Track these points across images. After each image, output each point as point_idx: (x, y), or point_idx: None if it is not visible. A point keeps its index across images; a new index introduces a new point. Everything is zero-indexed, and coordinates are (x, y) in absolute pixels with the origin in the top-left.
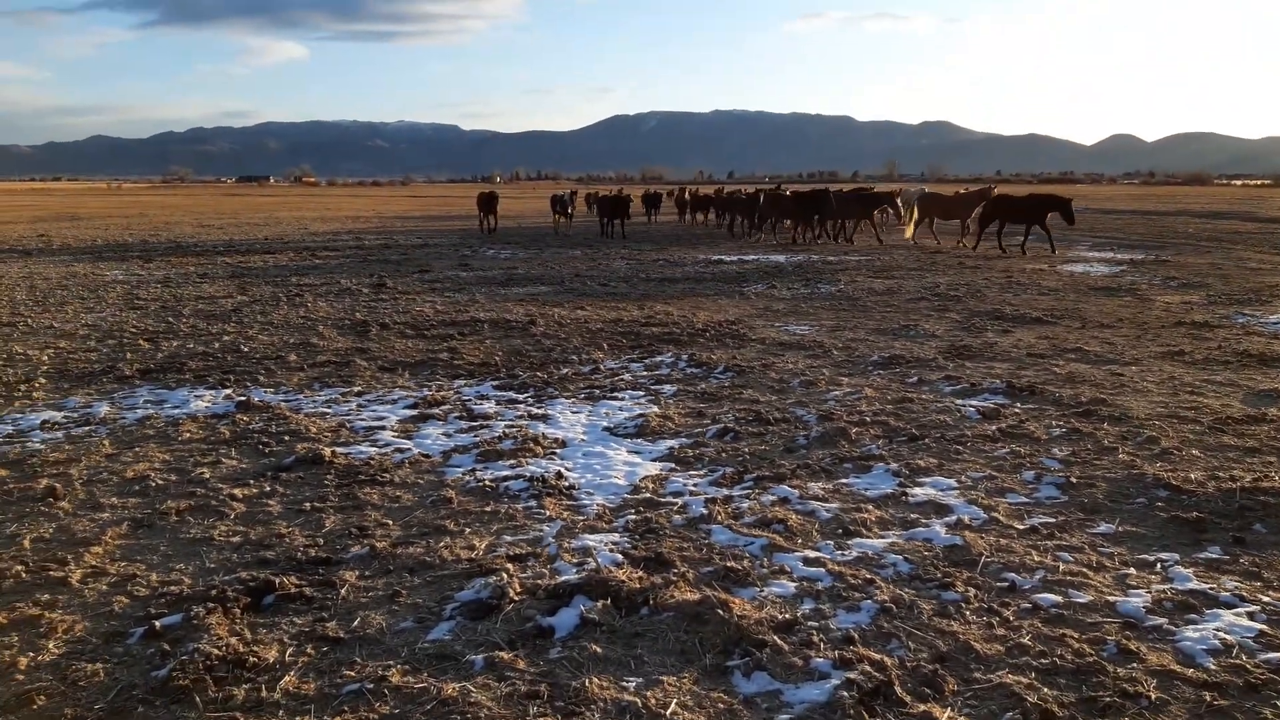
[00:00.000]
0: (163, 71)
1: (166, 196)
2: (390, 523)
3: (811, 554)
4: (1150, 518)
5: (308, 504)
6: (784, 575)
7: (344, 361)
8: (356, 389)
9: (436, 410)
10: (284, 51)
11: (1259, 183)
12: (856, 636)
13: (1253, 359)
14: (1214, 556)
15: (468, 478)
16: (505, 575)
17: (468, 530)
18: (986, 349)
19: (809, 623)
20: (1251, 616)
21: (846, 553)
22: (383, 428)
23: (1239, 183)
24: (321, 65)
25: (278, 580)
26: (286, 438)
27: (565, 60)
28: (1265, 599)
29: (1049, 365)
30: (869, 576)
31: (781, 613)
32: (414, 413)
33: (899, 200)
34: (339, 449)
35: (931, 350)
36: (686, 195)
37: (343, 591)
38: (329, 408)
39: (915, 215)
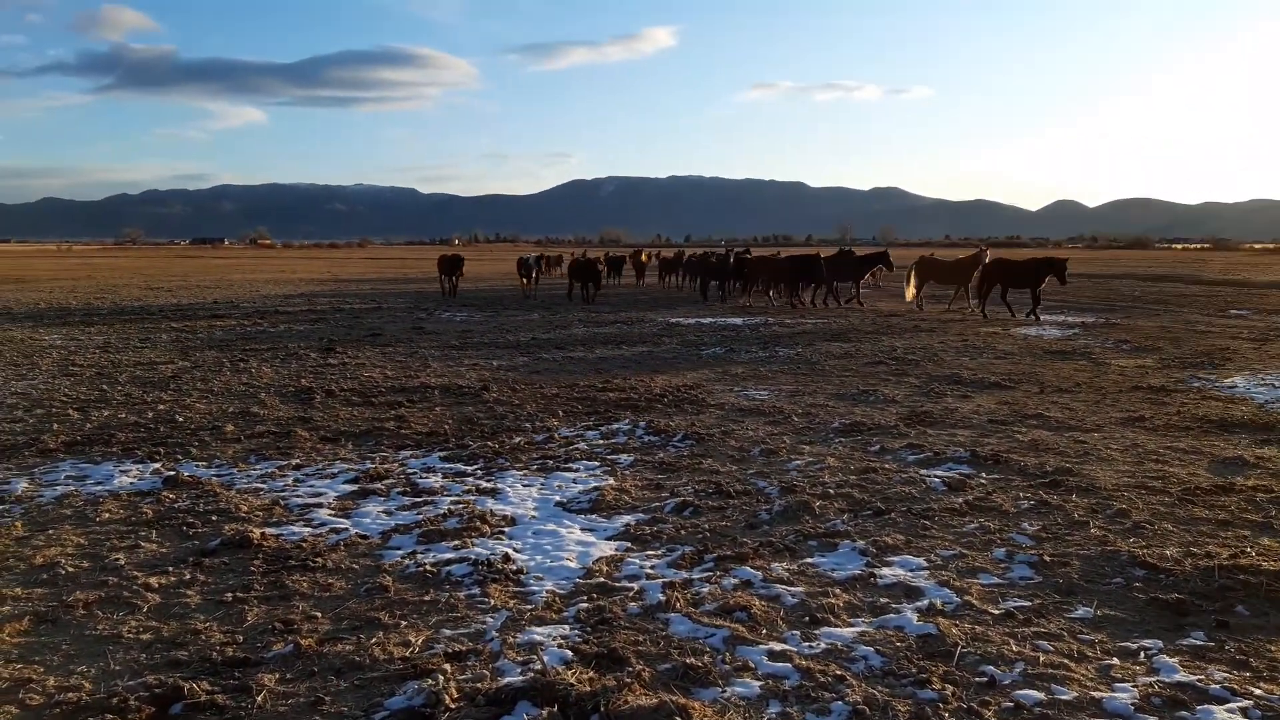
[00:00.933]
0: (118, 135)
1: (117, 259)
2: (319, 615)
3: (777, 646)
4: (1129, 600)
5: (229, 594)
6: (748, 672)
7: (284, 432)
8: (295, 461)
9: (378, 485)
10: (242, 116)
11: (1198, 246)
12: None
13: (1213, 424)
14: (1198, 643)
15: (407, 561)
16: (442, 678)
17: (404, 623)
18: (947, 415)
19: None
20: (1245, 713)
21: (814, 644)
22: (319, 505)
23: (1179, 246)
24: (280, 129)
25: (187, 686)
26: (214, 517)
27: (523, 126)
28: (1257, 691)
29: (1011, 432)
30: (839, 672)
31: (745, 718)
32: (354, 488)
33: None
34: (269, 530)
35: (892, 416)
36: (645, 257)
37: (259, 699)
38: (264, 483)
39: (915, 279)
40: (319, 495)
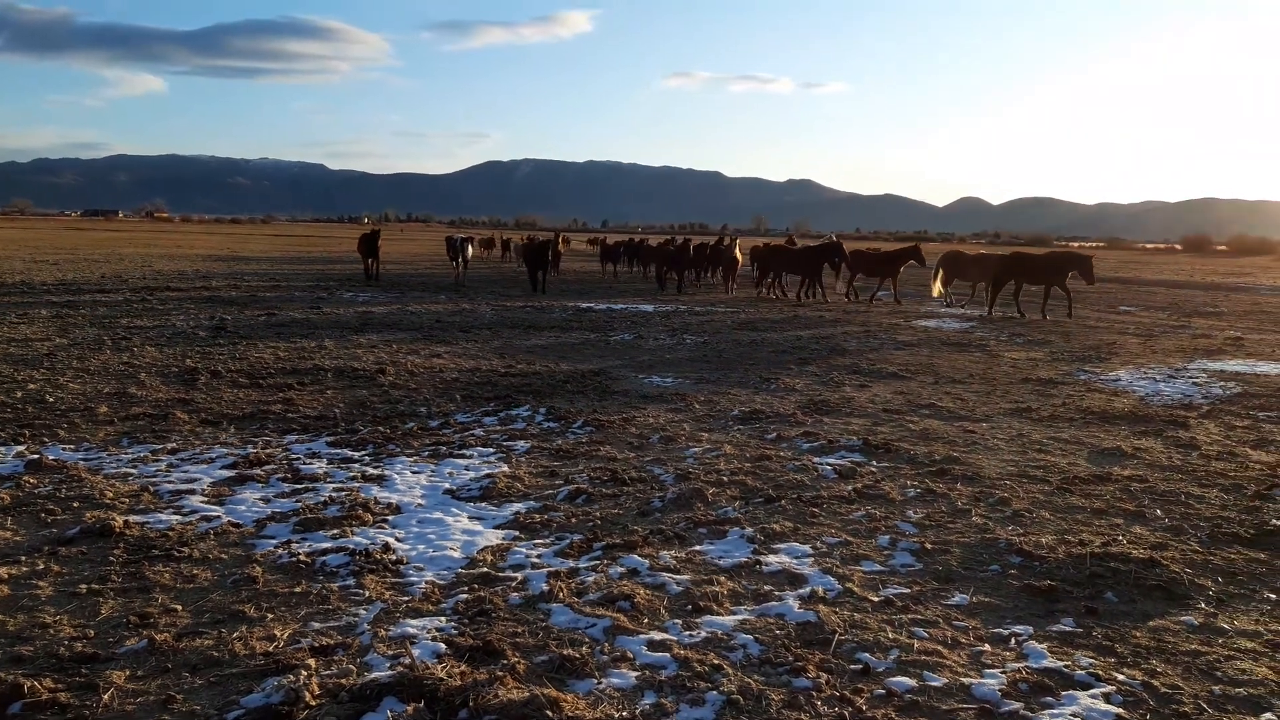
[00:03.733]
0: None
1: (1, 229)
2: (179, 608)
3: (658, 636)
4: (1004, 587)
5: (84, 586)
6: (625, 663)
7: (162, 414)
8: (171, 445)
9: (258, 471)
10: (141, 84)
11: (1093, 245)
12: None
13: (1095, 416)
14: (1067, 629)
15: (280, 551)
16: (304, 674)
17: (270, 617)
18: (844, 404)
19: None
20: (1107, 698)
21: (695, 633)
22: (192, 492)
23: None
24: (180, 99)
25: (28, 684)
26: (76, 504)
27: (439, 105)
28: (1120, 677)
29: (904, 421)
30: (717, 661)
31: (618, 710)
32: (232, 474)
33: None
34: (134, 518)
35: (791, 405)
36: (562, 243)
37: (106, 697)
38: (134, 468)
39: (942, 275)
40: (193, 481)
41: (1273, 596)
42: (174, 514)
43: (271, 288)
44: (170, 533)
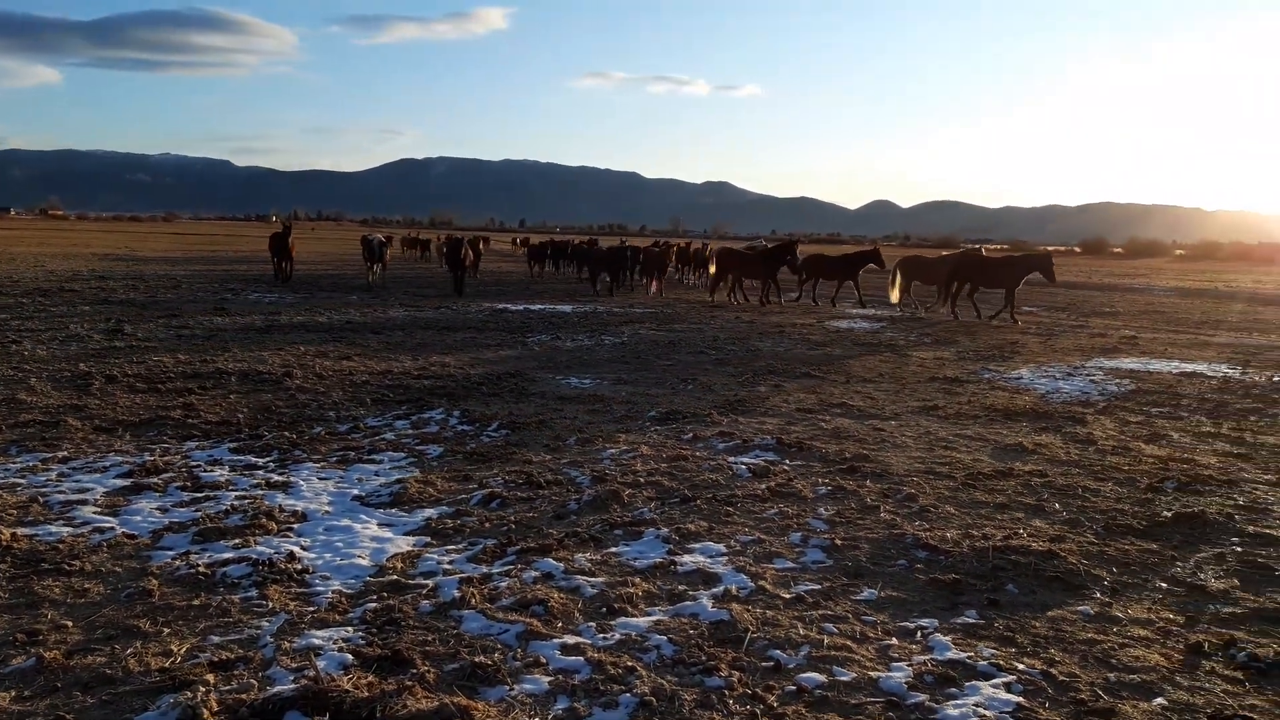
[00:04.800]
0: None
1: None
2: (69, 624)
3: (571, 640)
4: (910, 581)
5: None
6: (539, 668)
7: (53, 421)
8: (62, 454)
9: (155, 479)
10: (35, 75)
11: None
12: None
13: (998, 413)
14: (970, 621)
15: (178, 563)
16: (202, 690)
17: (166, 631)
18: (759, 403)
19: None
20: (1008, 688)
21: (609, 636)
22: (84, 502)
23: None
24: (77, 92)
25: None
26: None
27: (350, 101)
28: (1020, 666)
29: (816, 420)
30: (630, 664)
31: (530, 716)
32: (127, 483)
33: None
34: (23, 530)
35: (707, 405)
36: (482, 244)
37: None
38: (22, 477)
39: (900, 280)
40: (85, 491)
41: (1164, 585)
42: (65, 525)
43: (173, 288)
44: (61, 545)
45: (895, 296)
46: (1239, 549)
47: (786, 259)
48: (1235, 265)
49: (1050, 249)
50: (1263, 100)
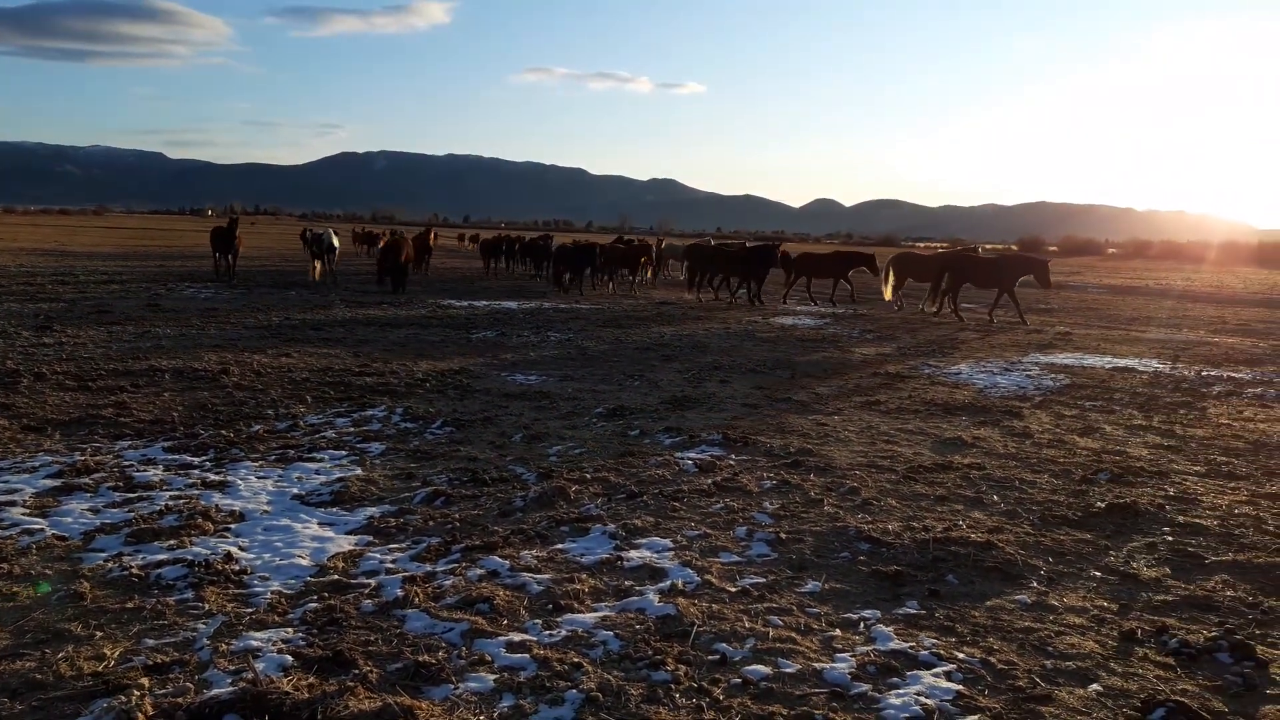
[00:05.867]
0: None
1: None
2: None
3: (517, 637)
4: (854, 573)
5: None
6: (484, 666)
7: None
8: None
9: (86, 479)
10: None
11: (939, 246)
12: None
13: (938, 407)
14: (912, 611)
15: (111, 565)
16: (137, 694)
17: (99, 635)
18: (706, 399)
19: None
20: (949, 676)
21: (555, 632)
22: (12, 504)
23: (921, 245)
24: (2, 82)
25: None
26: None
27: (288, 94)
28: (960, 655)
29: (762, 415)
30: (576, 660)
31: (475, 715)
32: (57, 483)
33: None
34: None
35: (655, 401)
36: (432, 238)
37: None
38: None
39: (893, 278)
40: (13, 492)
41: (1098, 574)
42: None
43: (105, 283)
44: None
45: (889, 294)
46: (1170, 538)
47: (774, 260)
48: (1165, 263)
49: (989, 247)
50: (1193, 103)
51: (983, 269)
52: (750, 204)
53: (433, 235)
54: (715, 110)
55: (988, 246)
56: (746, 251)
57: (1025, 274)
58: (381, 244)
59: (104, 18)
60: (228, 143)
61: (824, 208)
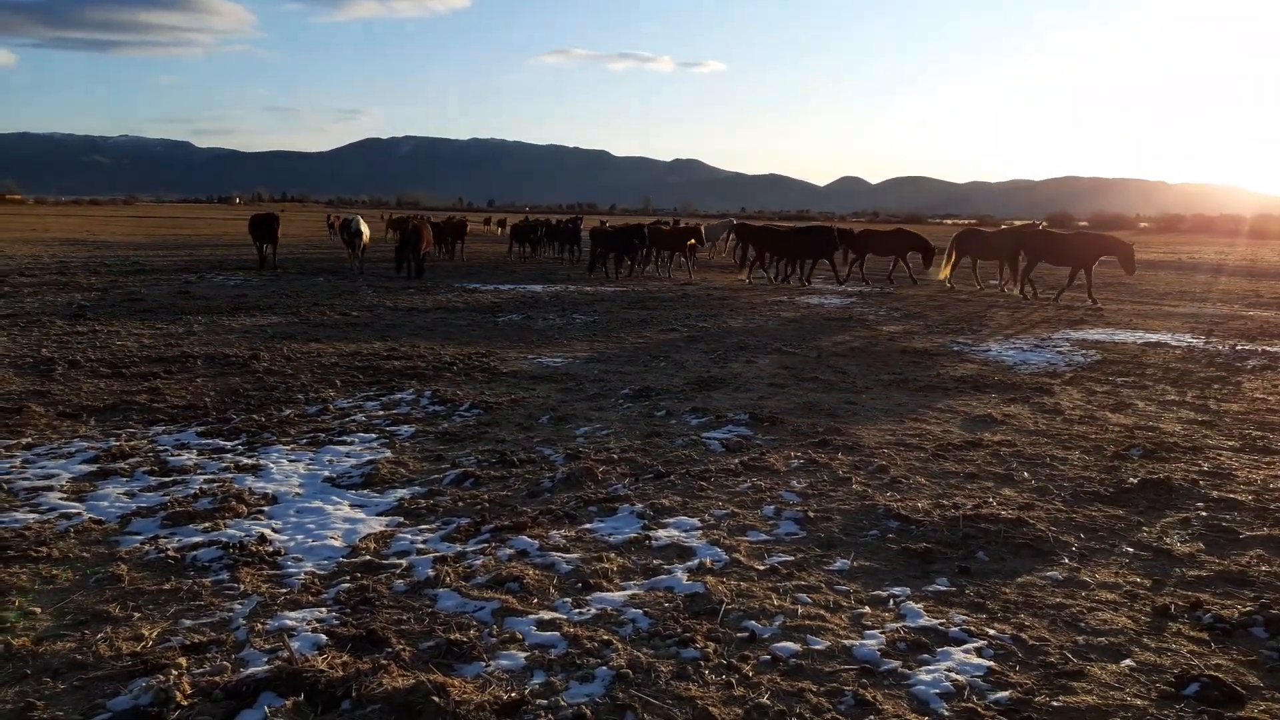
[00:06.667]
0: None
1: None
2: (38, 610)
3: (547, 615)
4: (882, 551)
5: None
6: (515, 644)
7: (15, 407)
8: (26, 440)
9: (122, 464)
10: None
11: (967, 222)
12: (589, 713)
13: (967, 385)
14: (942, 589)
15: (148, 547)
16: (175, 673)
17: (137, 616)
18: (732, 379)
19: (537, 701)
20: (980, 652)
21: (584, 611)
22: (50, 488)
23: (949, 221)
24: (30, 73)
25: None
26: None
27: (311, 80)
28: (991, 632)
29: (789, 394)
30: (606, 637)
31: (507, 692)
32: (93, 468)
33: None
34: None
35: (680, 381)
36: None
37: None
38: None
39: (953, 256)
40: (51, 477)
41: (1130, 550)
42: (30, 512)
43: (136, 271)
44: (27, 532)
45: (945, 273)
46: (1204, 514)
47: (834, 241)
48: (1197, 237)
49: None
50: (1225, 74)
51: (1062, 246)
52: (775, 182)
53: (469, 225)
54: (737, 89)
55: (1044, 225)
56: (807, 233)
57: (1106, 254)
58: (399, 230)
59: (127, 7)
60: (252, 129)
61: (850, 185)
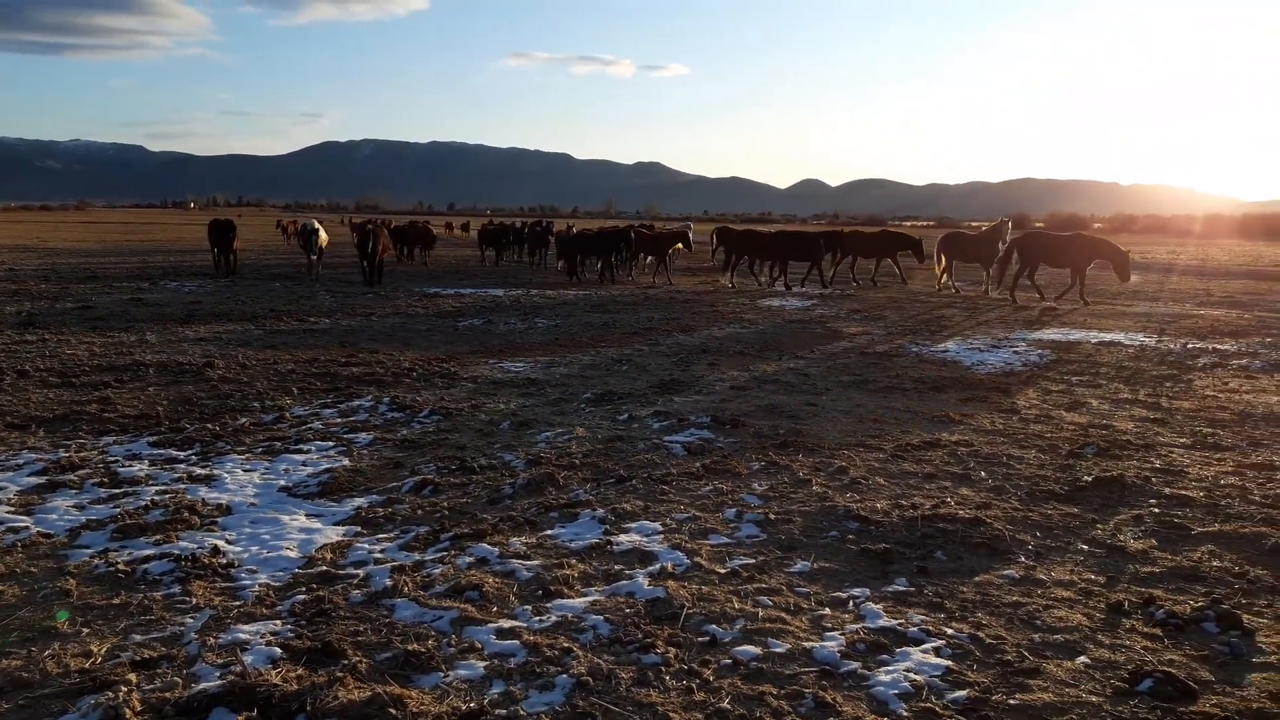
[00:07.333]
0: None
1: None
2: None
3: (506, 624)
4: (842, 552)
5: None
6: (474, 653)
7: None
8: None
9: (71, 476)
10: None
11: (924, 224)
12: None
13: (926, 385)
14: (901, 589)
15: (97, 561)
16: (124, 690)
17: (86, 631)
18: (694, 382)
19: (496, 711)
20: (938, 652)
21: (545, 618)
22: None
23: (909, 224)
24: None
25: None
26: None
27: (267, 83)
28: (949, 631)
29: (750, 397)
30: (567, 645)
31: (465, 702)
32: (41, 480)
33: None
34: None
35: (643, 385)
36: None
37: None
38: None
39: (944, 260)
40: None
41: (1085, 547)
42: None
43: (88, 279)
44: None
45: (942, 279)
46: (1156, 510)
47: (818, 244)
48: (1151, 237)
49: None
50: (1179, 78)
51: (1056, 249)
52: (737, 185)
53: (440, 227)
54: (699, 92)
55: (1039, 224)
56: (798, 237)
57: (1100, 258)
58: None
59: (79, 10)
60: (209, 134)
61: (810, 189)
